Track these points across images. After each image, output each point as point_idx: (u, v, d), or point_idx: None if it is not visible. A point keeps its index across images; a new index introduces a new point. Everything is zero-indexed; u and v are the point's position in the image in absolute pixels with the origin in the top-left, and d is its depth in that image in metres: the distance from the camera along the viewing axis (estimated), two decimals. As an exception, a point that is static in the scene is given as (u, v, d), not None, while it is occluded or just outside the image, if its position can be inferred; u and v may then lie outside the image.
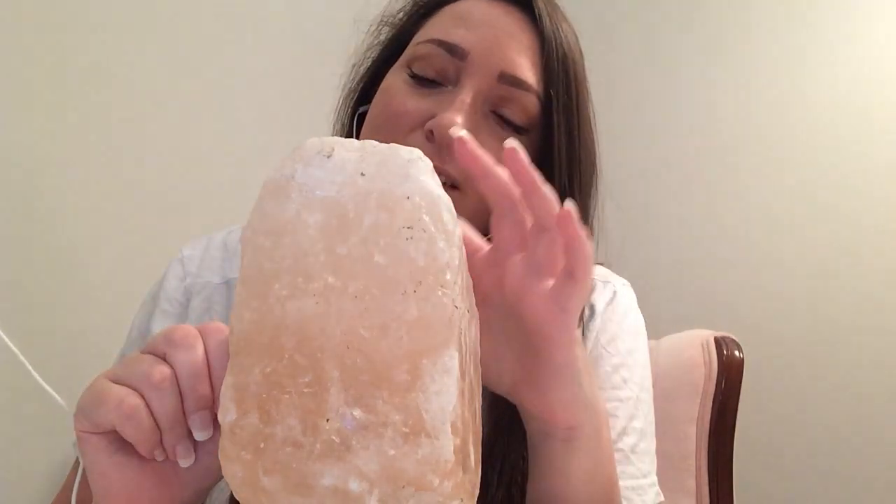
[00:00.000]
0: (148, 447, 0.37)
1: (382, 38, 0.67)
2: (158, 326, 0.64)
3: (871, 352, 1.39)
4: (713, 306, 1.52)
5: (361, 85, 0.67)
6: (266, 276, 0.34)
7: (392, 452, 0.31)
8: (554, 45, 0.58)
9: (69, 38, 0.89)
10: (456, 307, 0.33)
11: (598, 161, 0.64)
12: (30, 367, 0.40)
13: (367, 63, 0.67)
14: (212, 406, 0.37)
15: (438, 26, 0.60)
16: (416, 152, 0.37)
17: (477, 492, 0.34)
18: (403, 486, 0.31)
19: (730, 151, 1.57)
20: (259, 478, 0.32)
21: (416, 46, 0.60)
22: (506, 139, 0.57)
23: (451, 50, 0.57)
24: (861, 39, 1.46)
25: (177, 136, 1.04)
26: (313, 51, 1.24)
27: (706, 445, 0.93)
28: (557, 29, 0.60)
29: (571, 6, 0.65)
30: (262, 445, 0.32)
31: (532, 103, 0.58)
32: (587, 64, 0.63)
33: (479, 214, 0.58)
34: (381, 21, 0.68)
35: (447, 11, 0.61)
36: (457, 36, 0.57)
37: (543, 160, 0.58)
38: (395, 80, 0.60)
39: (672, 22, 1.66)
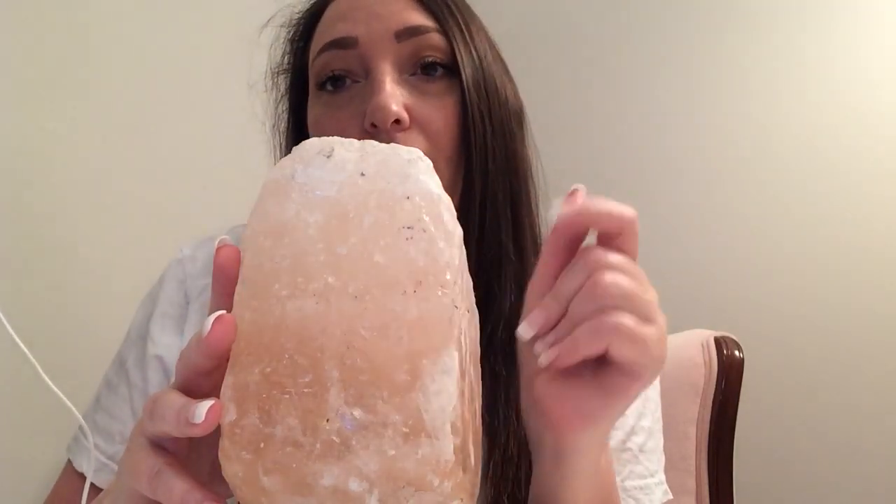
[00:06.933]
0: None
1: (283, 87, 0.66)
2: (157, 328, 0.64)
3: (872, 352, 1.39)
4: (713, 306, 1.51)
5: (293, 139, 0.65)
6: (266, 276, 0.34)
7: (392, 452, 0.31)
8: None
9: (69, 38, 0.89)
10: (456, 307, 0.33)
11: (518, 98, 0.62)
12: (39, 369, 0.40)
13: (285, 116, 0.66)
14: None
15: (319, 37, 0.59)
16: (416, 152, 0.37)
17: (477, 491, 0.35)
18: (403, 486, 0.31)
19: (729, 150, 1.57)
20: (259, 478, 0.32)
21: (313, 66, 0.59)
22: (440, 91, 0.56)
23: (341, 44, 0.56)
24: (858, 38, 1.46)
25: (177, 134, 1.04)
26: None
27: (706, 446, 0.93)
28: None
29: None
30: (262, 445, 0.32)
31: (439, 41, 0.57)
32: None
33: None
34: (274, 73, 0.67)
35: (321, 24, 0.61)
36: (338, 31, 0.57)
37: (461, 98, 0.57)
38: (315, 106, 0.59)
39: (665, 17, 1.66)
